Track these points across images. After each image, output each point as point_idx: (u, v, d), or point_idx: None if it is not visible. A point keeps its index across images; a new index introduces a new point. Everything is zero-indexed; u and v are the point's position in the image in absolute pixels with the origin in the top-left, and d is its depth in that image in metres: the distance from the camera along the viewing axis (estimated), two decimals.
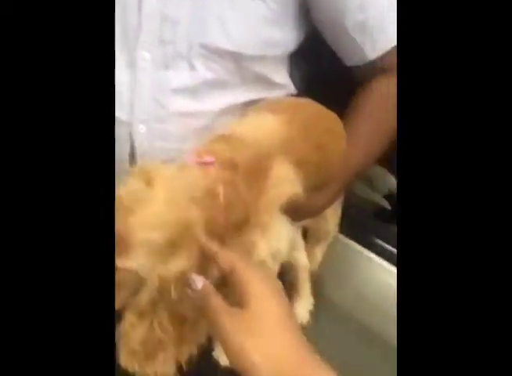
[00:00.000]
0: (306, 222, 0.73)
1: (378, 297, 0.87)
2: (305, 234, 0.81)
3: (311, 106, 0.65)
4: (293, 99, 0.68)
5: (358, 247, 0.91)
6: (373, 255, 0.90)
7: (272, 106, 0.61)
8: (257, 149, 0.52)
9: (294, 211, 0.56)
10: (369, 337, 0.87)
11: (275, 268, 0.59)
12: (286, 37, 0.63)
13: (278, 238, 0.55)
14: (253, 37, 0.59)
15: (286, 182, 0.54)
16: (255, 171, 0.50)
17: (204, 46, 0.56)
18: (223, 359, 0.66)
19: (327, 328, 0.91)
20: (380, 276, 0.90)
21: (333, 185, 0.63)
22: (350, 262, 0.93)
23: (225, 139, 0.54)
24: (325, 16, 0.63)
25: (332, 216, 0.81)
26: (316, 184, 0.60)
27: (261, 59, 0.61)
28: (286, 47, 0.64)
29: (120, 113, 0.58)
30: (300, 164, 0.55)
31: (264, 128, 0.55)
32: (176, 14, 0.56)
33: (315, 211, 0.65)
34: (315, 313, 0.89)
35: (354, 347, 0.90)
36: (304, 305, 0.86)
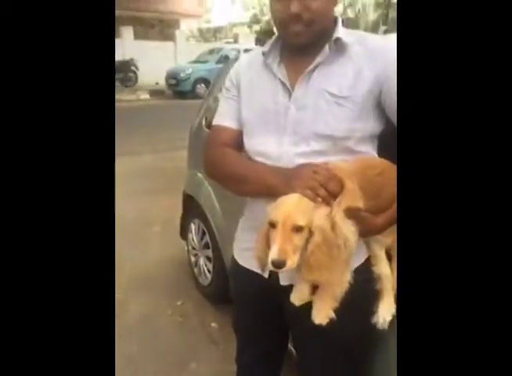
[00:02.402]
0: (386, 244, 1.06)
1: None
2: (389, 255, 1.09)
3: (373, 158, 1.08)
4: (363, 156, 1.07)
5: None
6: None
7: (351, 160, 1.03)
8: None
9: (360, 224, 0.96)
10: None
11: (347, 253, 0.94)
12: (366, 126, 1.05)
13: (346, 229, 0.92)
14: (341, 126, 1.02)
15: (352, 191, 0.94)
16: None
17: (315, 133, 1.04)
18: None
19: None
20: None
21: (389, 211, 0.99)
22: None
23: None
24: (390, 111, 1.03)
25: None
26: (376, 208, 0.97)
27: (347, 138, 1.04)
28: (368, 131, 1.06)
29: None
30: (362, 188, 0.95)
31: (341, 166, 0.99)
32: (302, 118, 1.05)
33: (376, 230, 1.00)
34: None
35: None
36: (386, 309, 1.08)
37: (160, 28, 19.13)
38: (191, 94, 12.60)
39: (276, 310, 1.20)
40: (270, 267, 0.90)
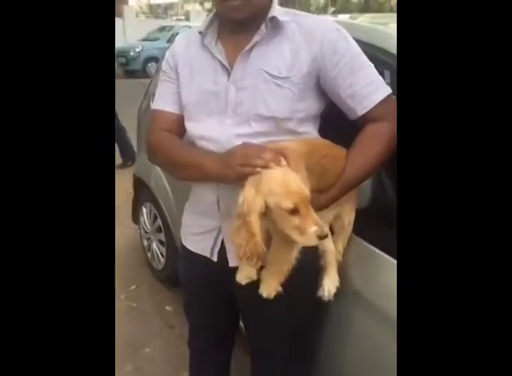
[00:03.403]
0: (329, 220, 1.11)
1: None
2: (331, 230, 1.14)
3: (319, 140, 1.10)
4: (309, 138, 1.09)
5: None
6: None
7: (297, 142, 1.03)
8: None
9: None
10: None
11: None
12: (307, 106, 1.06)
13: None
14: (282, 107, 1.03)
15: (296, 169, 0.93)
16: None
17: (256, 114, 1.03)
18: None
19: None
20: None
21: (332, 190, 1.03)
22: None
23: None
24: (330, 92, 1.06)
25: (346, 217, 1.14)
26: (320, 187, 1.00)
27: (289, 120, 1.04)
28: (309, 112, 1.07)
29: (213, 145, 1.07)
30: (308, 169, 0.96)
31: (292, 147, 0.98)
32: (242, 99, 1.04)
33: (319, 207, 1.00)
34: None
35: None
36: (331, 281, 1.14)
37: None
38: (141, 73, 12.22)
39: (226, 293, 1.20)
40: (315, 242, 0.90)
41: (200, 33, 1.09)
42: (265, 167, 0.91)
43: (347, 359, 1.29)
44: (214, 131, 1.07)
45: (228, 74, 1.06)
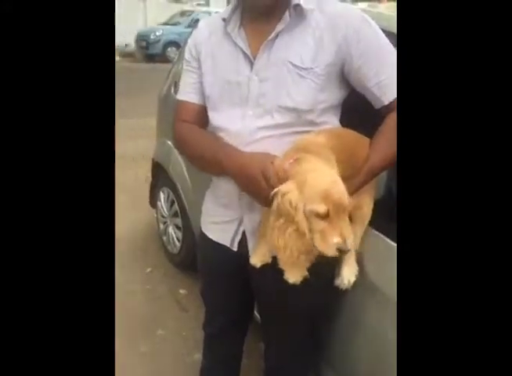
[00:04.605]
0: (349, 208, 1.06)
1: None
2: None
3: (343, 130, 1.10)
4: (334, 128, 1.09)
5: None
6: None
7: (324, 134, 1.03)
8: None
9: None
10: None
11: None
12: (329, 97, 1.05)
13: None
14: (306, 99, 1.02)
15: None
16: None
17: (279, 106, 1.03)
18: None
19: None
20: None
21: (358, 177, 1.01)
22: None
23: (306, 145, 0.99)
24: (355, 81, 1.05)
25: (366, 206, 1.13)
26: (347, 176, 0.97)
27: (311, 111, 1.04)
28: (331, 102, 1.06)
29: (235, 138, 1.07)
30: (338, 163, 0.96)
31: (321, 142, 1.00)
32: (265, 90, 1.03)
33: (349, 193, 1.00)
34: None
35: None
36: (349, 271, 1.14)
37: None
38: (161, 57, 12.24)
39: (243, 280, 1.22)
40: (334, 254, 0.89)
41: (224, 20, 1.08)
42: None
43: (360, 350, 1.30)
44: (235, 123, 1.07)
45: (251, 64, 1.05)
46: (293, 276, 1.01)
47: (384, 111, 1.05)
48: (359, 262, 1.17)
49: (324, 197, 0.87)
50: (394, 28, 1.23)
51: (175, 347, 2.06)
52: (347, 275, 1.13)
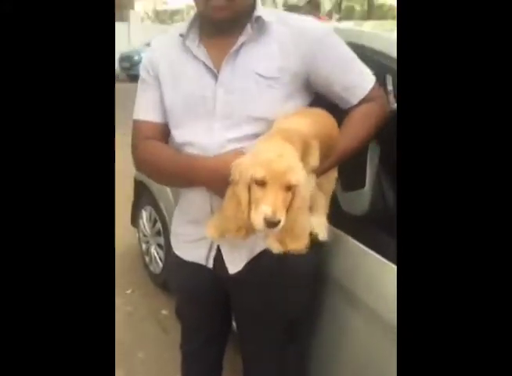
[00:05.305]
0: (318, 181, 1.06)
1: None
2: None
3: (321, 112, 1.08)
4: (311, 109, 1.10)
5: None
6: None
7: (305, 123, 1.00)
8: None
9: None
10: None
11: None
12: (295, 105, 1.06)
13: (311, 186, 0.96)
14: (274, 108, 1.03)
15: (316, 151, 0.95)
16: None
17: (248, 116, 1.02)
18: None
19: None
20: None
21: (331, 158, 1.04)
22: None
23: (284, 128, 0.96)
24: (322, 88, 1.08)
25: (330, 178, 1.12)
26: (324, 156, 0.99)
27: None
28: (296, 110, 1.06)
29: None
30: (320, 143, 0.96)
31: (301, 123, 0.98)
32: (232, 101, 1.03)
33: (321, 172, 1.02)
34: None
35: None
36: (318, 219, 1.07)
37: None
38: None
39: (221, 296, 1.20)
40: (261, 226, 0.85)
41: (182, 35, 1.07)
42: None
43: (345, 366, 1.28)
44: (202, 137, 1.05)
45: (215, 77, 1.04)
46: (297, 246, 0.94)
47: (351, 109, 1.09)
48: (342, 277, 1.16)
49: (264, 165, 0.85)
50: (376, 45, 1.26)
51: (154, 370, 2.00)
52: (316, 224, 1.05)
